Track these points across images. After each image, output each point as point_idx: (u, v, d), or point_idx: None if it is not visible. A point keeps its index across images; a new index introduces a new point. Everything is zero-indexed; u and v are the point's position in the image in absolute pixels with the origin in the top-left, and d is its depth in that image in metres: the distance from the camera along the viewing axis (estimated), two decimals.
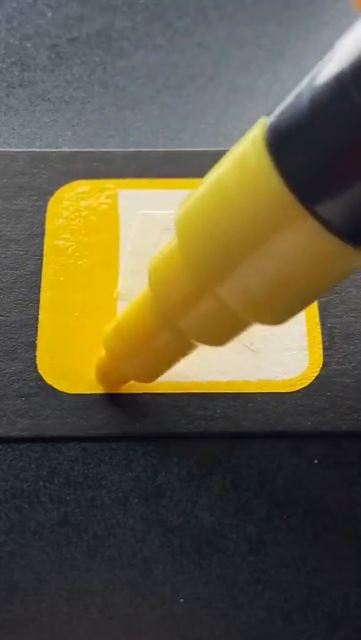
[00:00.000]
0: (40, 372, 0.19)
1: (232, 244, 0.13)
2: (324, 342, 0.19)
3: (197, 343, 0.16)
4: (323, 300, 0.20)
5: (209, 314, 0.15)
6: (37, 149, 0.22)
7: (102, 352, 0.18)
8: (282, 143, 0.12)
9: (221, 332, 0.15)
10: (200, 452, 0.18)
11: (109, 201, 0.21)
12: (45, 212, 0.21)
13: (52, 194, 0.21)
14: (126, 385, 0.18)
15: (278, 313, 0.14)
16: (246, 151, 0.13)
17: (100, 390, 0.18)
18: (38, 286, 0.20)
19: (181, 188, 0.21)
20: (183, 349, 0.16)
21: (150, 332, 0.16)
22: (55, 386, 0.18)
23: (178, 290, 0.15)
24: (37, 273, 0.20)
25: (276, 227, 0.12)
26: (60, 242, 0.20)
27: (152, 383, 0.18)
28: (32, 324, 0.19)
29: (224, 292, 0.14)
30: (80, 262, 0.20)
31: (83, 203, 0.21)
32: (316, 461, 0.18)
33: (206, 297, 0.14)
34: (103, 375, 0.18)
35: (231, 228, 0.13)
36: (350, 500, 0.18)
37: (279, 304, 0.14)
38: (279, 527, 0.17)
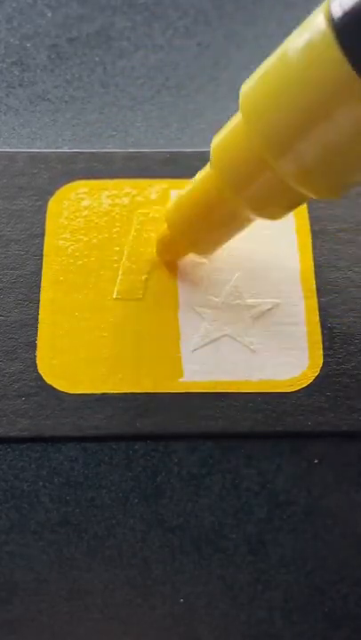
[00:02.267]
0: (40, 371, 0.19)
1: (294, 115, 0.14)
2: (324, 342, 0.19)
3: (254, 216, 0.17)
4: (323, 299, 0.20)
5: (268, 186, 0.16)
6: (37, 150, 0.22)
7: (164, 227, 0.19)
8: (346, 24, 0.13)
9: (278, 205, 0.17)
10: (200, 452, 0.18)
11: (109, 201, 0.21)
12: (45, 212, 0.21)
13: (52, 194, 0.21)
14: (126, 385, 0.18)
15: (333, 185, 0.16)
16: (312, 33, 0.14)
17: (162, 258, 0.20)
18: (38, 286, 0.20)
19: (181, 188, 0.21)
20: (240, 223, 0.18)
21: (210, 206, 0.17)
22: (55, 386, 0.18)
23: (239, 163, 0.16)
24: (37, 273, 0.20)
25: (338, 100, 0.13)
26: (60, 242, 0.20)
27: (152, 383, 0.18)
28: (32, 324, 0.19)
29: (284, 163, 0.15)
30: (80, 262, 0.20)
31: (83, 203, 0.21)
32: (316, 461, 0.18)
33: (266, 169, 0.15)
34: (163, 248, 0.19)
35: (294, 101, 0.14)
36: (350, 500, 0.18)
37: (333, 175, 0.15)
38: (279, 527, 0.17)
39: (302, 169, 0.15)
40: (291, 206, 0.17)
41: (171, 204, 0.19)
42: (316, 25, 0.14)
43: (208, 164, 0.17)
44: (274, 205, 0.17)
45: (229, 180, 0.16)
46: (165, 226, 0.19)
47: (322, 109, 0.14)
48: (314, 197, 0.16)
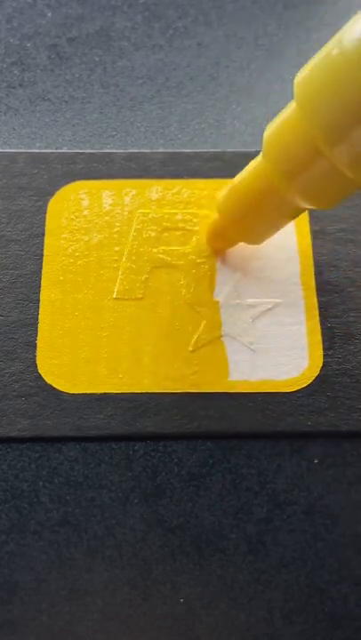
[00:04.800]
0: (40, 371, 0.19)
1: (350, 104, 0.14)
2: (324, 342, 0.19)
3: (306, 206, 0.17)
4: (323, 299, 0.20)
5: (321, 175, 0.16)
6: (37, 150, 0.22)
7: (215, 215, 0.19)
8: None
9: (331, 194, 0.17)
10: (200, 452, 0.18)
11: (109, 201, 0.21)
12: (45, 213, 0.21)
13: (52, 194, 0.21)
14: (126, 385, 0.18)
15: None
16: None
17: (213, 247, 0.20)
18: (38, 286, 0.20)
19: (181, 188, 0.21)
20: (291, 212, 0.18)
21: (261, 195, 0.17)
22: (55, 386, 0.18)
23: (293, 152, 0.16)
24: (37, 273, 0.20)
25: None
26: (60, 242, 0.20)
27: (152, 383, 0.18)
28: (32, 324, 0.19)
29: (338, 152, 0.15)
30: (80, 262, 0.20)
31: (83, 203, 0.21)
32: (316, 461, 0.18)
33: (320, 158, 0.15)
34: (214, 237, 0.20)
35: (350, 89, 0.14)
36: (350, 500, 0.18)
37: None
38: (279, 527, 0.17)
39: (357, 157, 0.15)
40: (343, 194, 0.17)
41: (222, 192, 0.19)
42: None
43: (260, 153, 0.17)
44: (326, 194, 0.17)
45: (282, 169, 0.16)
46: (216, 215, 0.19)
47: None
48: None
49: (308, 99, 0.15)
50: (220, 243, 0.20)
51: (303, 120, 0.15)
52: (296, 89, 0.15)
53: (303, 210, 0.18)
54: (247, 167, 0.18)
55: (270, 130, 0.17)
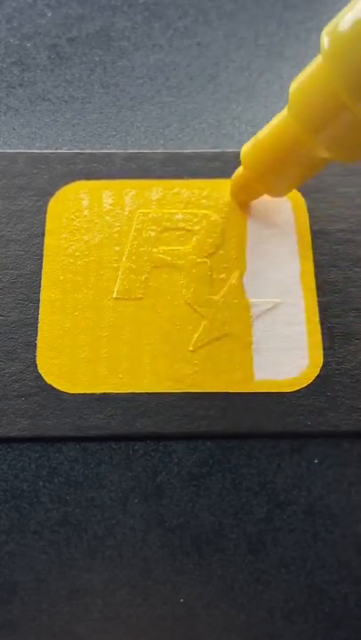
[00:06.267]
0: (40, 371, 0.19)
1: None
2: (324, 342, 0.19)
3: (330, 158, 0.17)
4: (323, 299, 0.20)
5: (345, 128, 0.16)
6: (37, 150, 0.22)
7: (239, 168, 0.20)
8: None
9: (355, 147, 0.17)
10: (200, 452, 0.18)
11: (109, 201, 0.21)
12: (45, 213, 0.21)
13: (52, 194, 0.21)
14: (126, 385, 0.18)
15: None
16: None
17: (236, 199, 0.21)
18: (38, 286, 0.20)
19: (181, 188, 0.21)
20: (315, 164, 0.18)
21: (286, 148, 0.18)
22: (55, 386, 0.18)
23: (318, 105, 0.16)
24: (37, 273, 0.20)
25: None
26: (60, 242, 0.20)
27: (152, 383, 0.18)
28: (32, 324, 0.19)
29: None
30: (80, 262, 0.20)
31: (83, 203, 0.21)
32: (316, 461, 0.18)
33: (345, 111, 0.16)
34: (239, 189, 0.20)
35: None
36: (350, 500, 0.18)
37: None
38: (279, 527, 0.17)
39: None
40: None
41: (247, 145, 0.19)
42: None
43: (285, 107, 0.18)
44: (350, 146, 0.17)
45: (307, 122, 0.17)
46: (241, 168, 0.20)
47: None
48: None
49: (335, 53, 0.15)
50: (245, 196, 0.20)
51: (329, 74, 0.16)
52: (323, 42, 0.16)
53: (327, 162, 0.18)
54: (272, 121, 0.18)
55: (296, 84, 0.17)
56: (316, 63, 0.16)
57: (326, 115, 0.16)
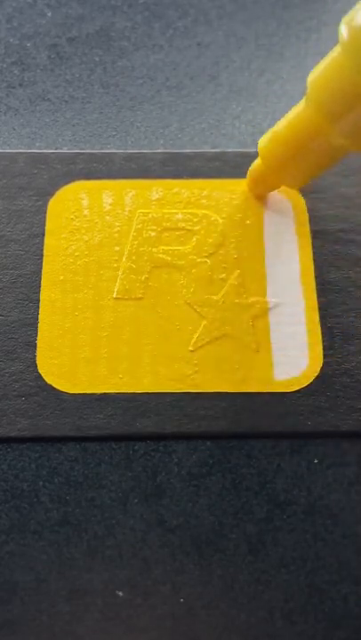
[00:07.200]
0: (40, 371, 0.19)
1: None
2: (324, 342, 0.19)
3: (349, 148, 0.17)
4: (323, 299, 0.20)
5: None
6: (37, 150, 0.22)
7: (257, 160, 0.20)
8: None
9: None
10: (200, 452, 0.18)
11: (109, 201, 0.21)
12: (45, 213, 0.21)
13: (52, 194, 0.21)
14: (126, 385, 0.18)
15: None
16: None
17: (253, 191, 0.21)
18: (38, 286, 0.20)
19: (181, 189, 0.21)
20: (334, 155, 0.18)
21: (305, 138, 0.18)
22: (55, 386, 0.18)
23: (337, 95, 0.16)
24: (37, 273, 0.20)
25: None
26: (60, 242, 0.20)
27: (152, 383, 0.18)
28: (32, 324, 0.19)
29: None
30: (80, 262, 0.20)
31: (83, 203, 0.21)
32: (316, 461, 0.18)
33: None
34: (255, 181, 0.20)
35: None
36: (350, 500, 0.18)
37: None
38: (279, 527, 0.17)
39: None
40: None
41: (265, 137, 0.19)
42: None
43: (303, 99, 0.18)
44: None
45: (326, 112, 0.17)
46: (257, 160, 0.20)
47: None
48: None
49: (353, 42, 0.15)
50: (261, 188, 0.21)
51: (347, 63, 0.16)
52: (341, 32, 0.16)
53: (346, 153, 0.18)
54: (289, 113, 0.18)
55: (315, 74, 0.17)
56: (335, 52, 0.16)
57: (346, 104, 0.16)
